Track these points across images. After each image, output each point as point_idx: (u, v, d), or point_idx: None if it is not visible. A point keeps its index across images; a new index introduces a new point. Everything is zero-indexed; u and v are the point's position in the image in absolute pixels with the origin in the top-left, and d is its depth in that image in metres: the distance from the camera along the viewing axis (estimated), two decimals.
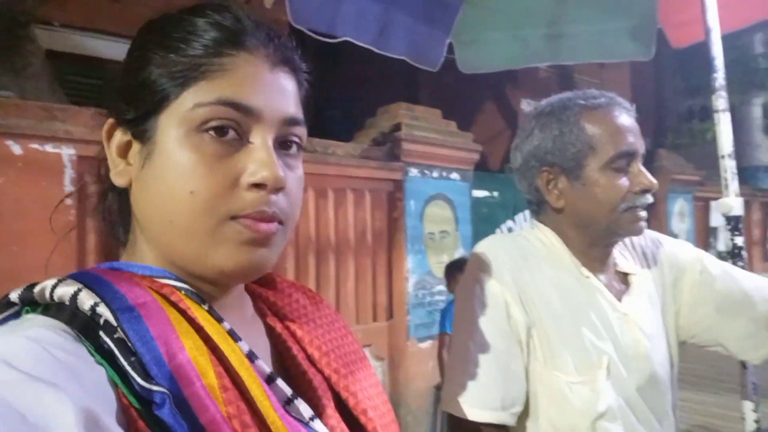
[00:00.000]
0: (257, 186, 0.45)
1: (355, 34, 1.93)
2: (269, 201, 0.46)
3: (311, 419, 0.46)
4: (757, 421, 1.43)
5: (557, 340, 0.89)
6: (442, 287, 4.27)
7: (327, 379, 0.52)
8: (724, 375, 4.76)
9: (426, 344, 4.23)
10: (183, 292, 0.45)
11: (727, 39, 1.66)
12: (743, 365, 1.35)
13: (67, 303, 0.41)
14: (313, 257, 3.71)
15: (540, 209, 1.02)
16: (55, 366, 0.36)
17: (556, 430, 0.88)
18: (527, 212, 5.46)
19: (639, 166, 0.93)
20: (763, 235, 9.31)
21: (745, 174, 10.04)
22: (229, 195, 0.45)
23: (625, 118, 0.95)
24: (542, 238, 0.99)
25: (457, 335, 0.93)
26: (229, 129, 0.45)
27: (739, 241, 1.58)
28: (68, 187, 2.46)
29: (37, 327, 0.39)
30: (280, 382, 0.46)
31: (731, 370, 1.08)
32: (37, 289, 0.42)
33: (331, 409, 0.50)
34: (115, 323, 0.39)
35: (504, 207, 5.27)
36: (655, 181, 0.93)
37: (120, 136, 0.49)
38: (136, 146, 0.48)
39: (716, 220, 8.22)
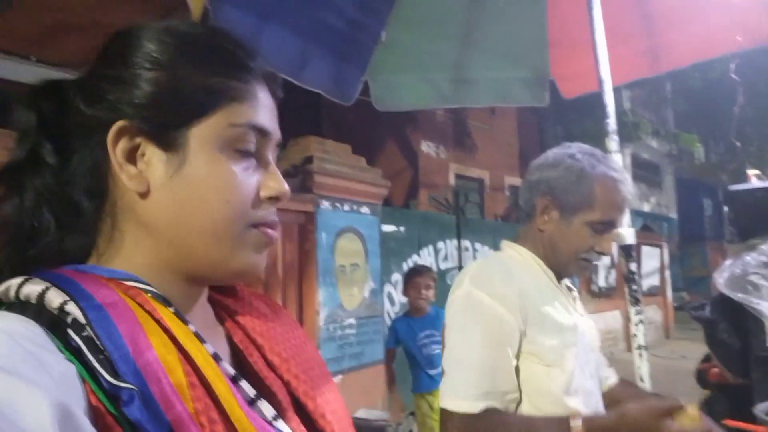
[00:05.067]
0: (271, 199, 0.52)
1: (276, 63, 1.97)
2: (275, 211, 0.53)
3: (274, 419, 0.47)
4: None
5: (540, 336, 1.07)
6: (352, 320, 4.30)
7: (286, 384, 0.53)
8: None
9: (336, 379, 4.20)
10: (149, 294, 0.46)
11: (599, 95, 1.89)
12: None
13: (33, 301, 0.41)
14: None
15: (525, 221, 1.22)
16: (27, 358, 0.36)
17: (537, 409, 1.06)
18: (431, 247, 5.69)
19: (611, 235, 1.15)
20: (637, 269, 10.35)
21: None
22: (252, 205, 0.51)
23: (626, 193, 1.14)
24: (516, 255, 1.19)
25: (453, 341, 1.08)
26: (252, 148, 0.51)
27: (633, 266, 1.78)
28: None
29: (7, 320, 0.39)
30: (244, 383, 0.47)
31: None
32: (1, 288, 0.42)
33: (291, 412, 0.51)
34: (84, 321, 0.40)
35: (410, 241, 5.43)
36: (613, 249, 1.15)
37: (126, 141, 0.48)
38: (158, 153, 0.48)
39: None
